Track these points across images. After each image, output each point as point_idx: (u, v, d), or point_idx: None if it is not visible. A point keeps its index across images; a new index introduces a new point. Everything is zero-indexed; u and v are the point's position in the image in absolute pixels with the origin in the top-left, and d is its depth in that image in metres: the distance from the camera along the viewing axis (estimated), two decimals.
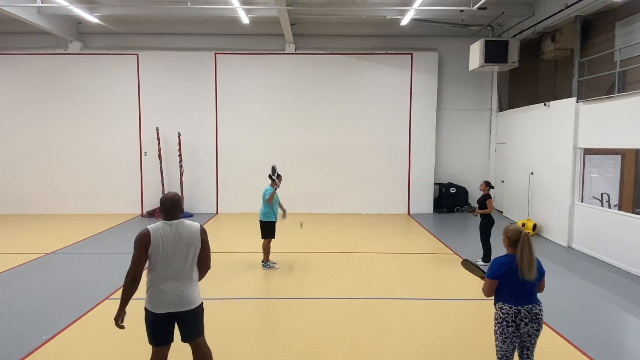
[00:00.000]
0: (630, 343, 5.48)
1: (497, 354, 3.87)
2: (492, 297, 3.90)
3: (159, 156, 13.85)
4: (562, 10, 10.52)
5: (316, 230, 11.82)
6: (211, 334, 5.51)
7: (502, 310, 3.76)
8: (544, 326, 5.74)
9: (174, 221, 3.77)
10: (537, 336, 3.79)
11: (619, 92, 8.91)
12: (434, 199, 14.63)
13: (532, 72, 14.19)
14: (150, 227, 3.72)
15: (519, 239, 3.78)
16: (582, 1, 9.86)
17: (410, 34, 14.17)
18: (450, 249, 9.72)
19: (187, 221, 3.83)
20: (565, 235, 10.08)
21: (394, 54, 14.25)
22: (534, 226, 11.19)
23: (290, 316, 6.16)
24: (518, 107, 13.33)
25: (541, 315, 3.76)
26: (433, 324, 5.90)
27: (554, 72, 13.41)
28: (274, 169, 8.24)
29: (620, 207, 11.42)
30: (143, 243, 3.66)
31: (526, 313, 3.70)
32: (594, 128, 9.34)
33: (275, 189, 8.02)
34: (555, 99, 11.59)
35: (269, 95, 14.28)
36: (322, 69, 14.22)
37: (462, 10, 11.19)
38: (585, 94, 10.37)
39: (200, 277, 3.90)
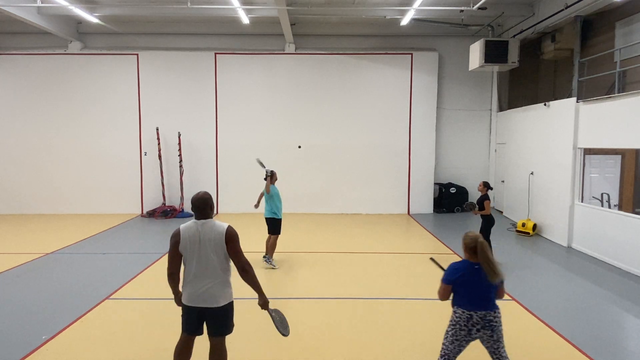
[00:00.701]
0: (630, 343, 5.48)
1: (440, 352, 3.88)
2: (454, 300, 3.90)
3: (159, 156, 13.85)
4: (562, 10, 10.52)
5: (316, 230, 11.82)
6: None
7: (456, 314, 3.78)
8: (544, 326, 5.77)
9: (202, 220, 3.85)
10: (497, 341, 3.76)
11: (619, 92, 8.91)
12: (434, 199, 14.63)
13: (532, 72, 14.18)
14: (182, 225, 3.88)
15: (475, 246, 3.83)
16: (582, 1, 9.86)
17: (410, 34, 14.17)
18: (450, 249, 9.72)
19: (215, 222, 3.88)
20: (565, 235, 10.08)
21: (394, 54, 14.25)
22: (534, 226, 11.19)
23: (290, 316, 6.15)
24: (518, 107, 13.33)
25: (495, 322, 3.73)
26: (433, 324, 5.89)
27: (554, 72, 13.40)
28: (260, 163, 8.61)
29: (620, 207, 11.42)
30: (174, 242, 3.84)
31: (479, 319, 3.70)
32: (594, 128, 9.34)
33: (266, 178, 8.25)
34: (555, 99, 11.59)
35: (269, 95, 14.28)
36: (322, 69, 14.22)
37: (462, 10, 11.19)
38: (585, 94, 10.37)
39: (243, 277, 3.91)
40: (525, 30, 12.32)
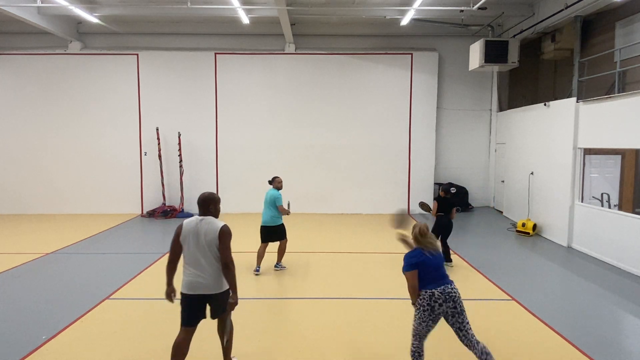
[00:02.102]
0: (630, 343, 5.48)
1: (412, 333, 4.23)
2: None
3: (159, 156, 13.86)
4: (562, 10, 10.52)
5: (316, 230, 11.82)
6: (211, 334, 5.51)
7: (420, 297, 4.13)
8: (544, 326, 5.77)
9: (202, 217, 4.27)
10: (460, 315, 4.06)
11: (619, 92, 8.91)
12: (434, 199, 14.59)
13: (532, 72, 14.19)
14: (185, 220, 4.31)
15: (419, 232, 4.31)
16: (582, 1, 9.86)
17: (410, 34, 14.17)
18: (450, 249, 9.71)
19: (212, 219, 4.26)
20: (565, 235, 10.08)
21: (394, 54, 14.25)
22: (534, 226, 11.19)
23: (290, 316, 6.17)
24: (518, 107, 13.33)
25: (454, 293, 4.08)
26: None
27: (554, 72, 13.41)
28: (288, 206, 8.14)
29: (620, 207, 11.42)
30: (176, 234, 4.26)
31: (439, 294, 4.04)
32: (594, 128, 9.34)
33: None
34: (555, 99, 11.59)
35: (269, 95, 14.28)
36: (322, 69, 14.22)
37: (462, 10, 11.19)
38: (585, 94, 10.37)
39: (224, 272, 4.17)
40: (525, 30, 12.32)
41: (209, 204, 4.31)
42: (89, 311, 6.21)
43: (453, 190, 8.78)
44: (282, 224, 7.97)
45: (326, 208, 14.40)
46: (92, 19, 12.45)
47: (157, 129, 13.88)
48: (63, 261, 8.83)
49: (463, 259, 9.03)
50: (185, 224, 4.24)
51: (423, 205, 8.69)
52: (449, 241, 8.60)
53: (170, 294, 4.33)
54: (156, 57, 14.14)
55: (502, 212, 13.94)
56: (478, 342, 4.11)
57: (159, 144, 13.87)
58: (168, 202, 14.17)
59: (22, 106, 14.11)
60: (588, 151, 10.18)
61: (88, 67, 14.10)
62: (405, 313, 6.24)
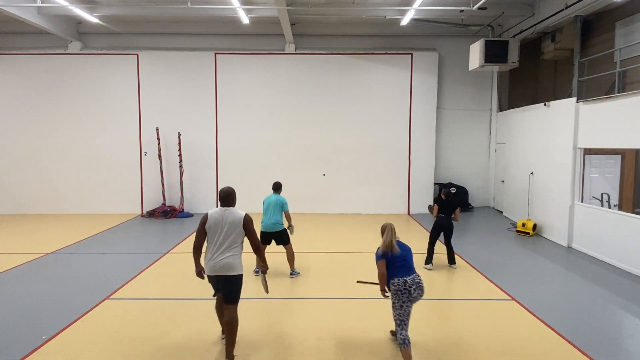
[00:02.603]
0: (630, 343, 5.48)
1: (396, 322, 4.72)
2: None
3: (159, 156, 13.86)
4: (562, 10, 10.52)
5: (316, 231, 11.82)
6: (211, 334, 5.52)
7: (394, 285, 4.67)
8: (544, 326, 5.78)
9: (225, 208, 4.89)
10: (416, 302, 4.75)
11: (619, 92, 8.91)
12: (434, 199, 14.61)
13: (532, 72, 14.19)
14: (210, 211, 4.91)
15: (384, 230, 4.96)
16: (582, 1, 9.86)
17: (410, 34, 14.17)
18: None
19: (234, 210, 4.90)
20: (565, 235, 10.08)
21: (394, 54, 14.25)
22: (534, 226, 11.19)
23: (290, 316, 6.17)
24: (518, 107, 13.33)
25: (422, 283, 4.75)
26: (433, 323, 5.90)
27: (554, 72, 13.41)
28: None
29: (620, 207, 11.42)
30: (202, 222, 4.85)
31: (412, 281, 4.67)
32: (594, 128, 9.34)
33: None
34: (555, 99, 11.59)
35: (269, 95, 14.28)
36: (322, 69, 14.22)
37: (462, 10, 11.19)
38: (585, 94, 10.37)
39: (255, 253, 5.02)
40: (525, 30, 12.32)
41: (232, 198, 4.97)
42: (89, 311, 6.21)
43: (453, 190, 8.78)
44: (285, 229, 7.78)
45: (326, 208, 14.40)
46: (92, 19, 12.45)
47: (157, 129, 13.88)
48: (63, 261, 8.83)
49: (463, 259, 9.03)
50: (211, 214, 4.84)
51: (431, 208, 8.75)
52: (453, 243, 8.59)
53: (200, 272, 4.92)
54: (156, 57, 14.14)
55: (502, 212, 13.94)
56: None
57: (159, 144, 13.87)
58: (168, 202, 14.17)
59: (22, 106, 14.11)
60: (588, 151, 10.19)
61: (88, 67, 14.10)
62: None
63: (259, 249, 5.00)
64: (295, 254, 8.07)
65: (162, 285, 7.41)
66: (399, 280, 4.66)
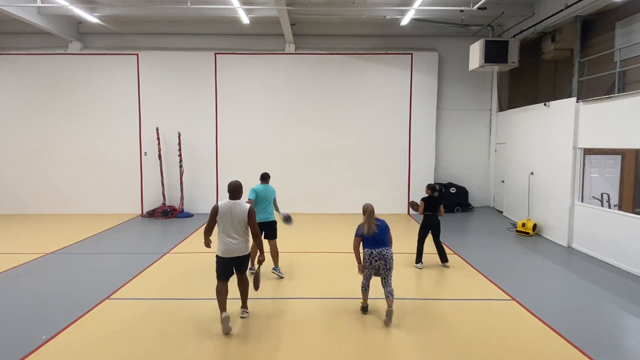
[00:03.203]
0: (630, 343, 5.48)
1: (362, 279, 6.15)
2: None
3: (159, 156, 13.86)
4: (562, 10, 10.52)
5: (316, 231, 11.82)
6: (211, 334, 5.52)
7: (364, 253, 5.97)
8: (544, 326, 5.78)
9: (233, 201, 5.72)
10: (387, 269, 5.90)
11: (619, 92, 8.91)
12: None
13: (532, 72, 14.19)
14: (220, 202, 5.72)
15: (365, 212, 6.07)
16: (582, 1, 9.87)
17: (410, 34, 14.17)
18: (450, 249, 9.72)
19: (241, 202, 5.74)
20: (565, 235, 10.08)
21: (394, 54, 14.25)
22: (534, 226, 11.19)
23: (290, 316, 6.16)
24: (518, 107, 13.33)
25: (386, 254, 5.88)
26: (433, 323, 5.90)
27: (554, 72, 13.41)
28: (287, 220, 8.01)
29: (620, 207, 11.42)
30: (213, 213, 5.70)
31: (377, 254, 5.88)
32: (594, 128, 9.34)
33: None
34: (555, 99, 11.59)
35: (269, 95, 14.28)
36: (322, 69, 14.23)
37: (462, 10, 11.20)
38: (585, 94, 10.37)
39: (255, 240, 5.82)
40: (525, 30, 12.32)
41: (240, 191, 5.82)
42: (89, 311, 6.21)
43: (437, 188, 8.75)
44: (275, 221, 7.77)
45: (326, 208, 14.41)
46: (92, 19, 12.45)
47: (157, 129, 13.88)
48: (63, 261, 8.83)
49: (463, 259, 9.03)
50: (221, 206, 5.67)
51: (413, 204, 8.70)
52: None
53: (209, 243, 5.81)
54: (156, 57, 14.14)
55: (502, 212, 13.94)
56: (388, 286, 5.93)
57: (159, 144, 13.88)
58: (168, 202, 14.17)
59: (22, 106, 14.12)
60: (588, 151, 10.19)
61: (88, 67, 14.10)
62: (405, 313, 6.24)
63: (258, 236, 5.78)
64: (294, 253, 8.07)
65: (162, 285, 7.41)
66: (367, 250, 5.96)
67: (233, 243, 5.63)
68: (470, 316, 6.13)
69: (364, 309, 6.20)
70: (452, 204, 14.36)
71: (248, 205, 5.72)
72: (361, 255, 6.05)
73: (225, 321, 5.48)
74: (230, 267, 5.72)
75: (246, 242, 5.77)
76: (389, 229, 6.09)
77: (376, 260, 5.87)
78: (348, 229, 12.07)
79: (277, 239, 7.85)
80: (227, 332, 5.48)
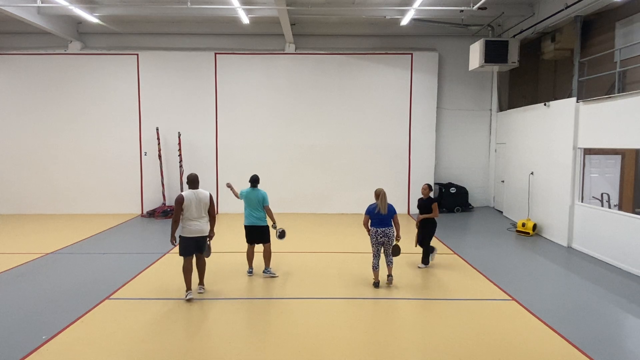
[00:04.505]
0: (630, 343, 5.48)
1: (372, 260, 7.28)
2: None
3: (159, 156, 13.86)
4: (562, 10, 10.52)
5: (316, 231, 11.82)
6: (211, 334, 5.53)
7: (372, 231, 7.18)
8: (544, 326, 5.78)
9: (195, 190, 6.71)
10: (389, 245, 7.20)
11: (619, 92, 8.91)
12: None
13: (532, 72, 14.18)
14: (184, 192, 6.65)
15: (378, 194, 7.10)
16: (582, 1, 9.86)
17: (410, 34, 14.17)
18: (450, 249, 9.72)
19: (202, 190, 6.77)
20: (565, 235, 10.08)
21: (394, 54, 14.25)
22: (534, 226, 11.19)
23: (290, 316, 6.16)
24: (518, 107, 13.33)
25: (388, 232, 7.13)
26: (433, 323, 5.90)
27: (554, 72, 13.40)
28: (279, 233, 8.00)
29: (620, 207, 11.42)
30: (179, 201, 6.57)
31: (381, 232, 7.12)
32: (594, 128, 9.34)
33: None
34: (555, 99, 11.58)
35: (269, 95, 14.28)
36: (322, 69, 14.22)
37: (462, 10, 11.19)
38: (585, 94, 10.36)
39: (211, 223, 6.85)
40: (525, 30, 12.32)
41: (197, 182, 6.79)
42: (89, 311, 6.21)
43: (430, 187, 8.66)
44: (267, 226, 7.73)
45: (326, 208, 14.41)
46: (92, 19, 12.45)
47: (157, 129, 13.88)
48: (63, 261, 8.83)
49: (463, 259, 9.03)
50: (186, 195, 6.60)
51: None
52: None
53: (173, 241, 6.67)
54: (156, 57, 14.14)
55: (502, 212, 13.94)
56: (389, 256, 7.30)
57: (159, 144, 13.88)
58: (168, 202, 14.17)
59: (22, 106, 14.12)
60: (588, 151, 10.18)
61: (88, 67, 14.10)
62: (405, 313, 6.25)
63: (214, 218, 6.88)
64: (294, 253, 8.06)
65: (162, 285, 7.41)
66: (373, 228, 7.16)
67: (197, 225, 6.61)
68: (470, 316, 6.13)
69: (376, 284, 7.24)
70: (452, 204, 14.37)
71: (208, 192, 6.82)
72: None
73: (189, 300, 6.59)
74: (192, 245, 6.68)
75: (207, 224, 6.77)
76: (395, 213, 7.22)
77: (381, 237, 7.12)
78: (348, 229, 12.07)
79: (270, 243, 7.80)
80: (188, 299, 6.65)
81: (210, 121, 14.30)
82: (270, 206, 7.72)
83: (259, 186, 7.82)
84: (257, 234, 7.72)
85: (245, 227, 7.77)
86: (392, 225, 7.14)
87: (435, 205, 8.16)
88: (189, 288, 6.60)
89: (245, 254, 7.98)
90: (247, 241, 7.86)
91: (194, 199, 6.58)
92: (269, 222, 7.74)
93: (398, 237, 7.29)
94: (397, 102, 14.33)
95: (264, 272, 7.82)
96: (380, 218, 7.07)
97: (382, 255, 7.32)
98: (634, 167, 11.38)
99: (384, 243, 7.13)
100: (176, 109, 14.22)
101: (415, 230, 8.47)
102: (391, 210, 7.14)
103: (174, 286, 7.31)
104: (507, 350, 5.15)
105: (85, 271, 8.18)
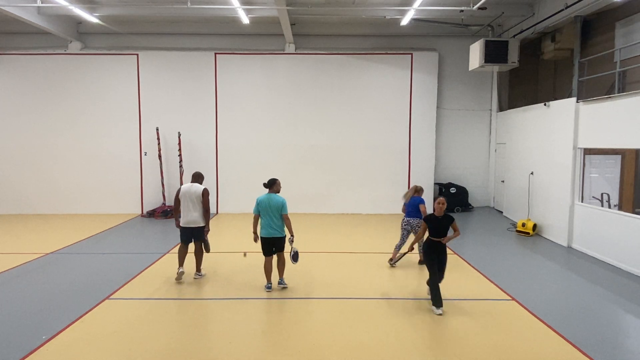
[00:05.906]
0: (630, 343, 5.48)
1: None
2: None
3: (159, 156, 13.86)
4: (562, 10, 10.52)
5: (316, 231, 11.82)
6: (211, 334, 5.53)
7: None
8: (544, 326, 5.79)
9: (192, 184, 7.47)
10: (407, 232, 8.42)
11: (619, 92, 8.91)
12: (434, 199, 14.60)
13: (532, 72, 14.19)
14: (182, 186, 7.49)
15: (415, 190, 8.50)
16: (582, 1, 9.86)
17: (410, 34, 14.17)
18: (450, 249, 9.72)
19: (198, 184, 7.47)
20: (565, 235, 10.08)
21: (394, 54, 14.25)
22: (534, 226, 11.19)
23: (290, 316, 6.17)
24: (518, 107, 13.33)
25: (411, 221, 8.32)
26: (433, 323, 5.90)
27: (554, 72, 13.40)
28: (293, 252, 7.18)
29: (620, 207, 11.42)
30: (178, 194, 7.43)
31: (405, 221, 8.42)
32: (594, 128, 9.34)
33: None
34: (555, 99, 11.59)
35: (269, 95, 14.28)
36: (322, 69, 14.22)
37: (462, 10, 11.19)
38: (585, 94, 10.37)
39: (205, 216, 7.47)
40: (525, 30, 12.32)
41: (198, 178, 7.58)
42: (89, 311, 6.21)
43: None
44: (284, 236, 7.06)
45: (326, 208, 14.40)
46: (92, 19, 12.45)
47: (157, 129, 13.88)
48: (63, 261, 8.83)
49: (463, 259, 9.03)
50: (182, 188, 7.44)
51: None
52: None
53: (178, 225, 7.46)
54: (156, 57, 14.14)
55: (502, 212, 13.94)
56: (401, 239, 8.51)
57: (159, 144, 13.87)
58: (168, 202, 14.17)
59: (22, 106, 14.11)
60: (588, 151, 10.19)
61: (88, 67, 14.10)
62: (405, 313, 6.24)
63: (208, 211, 7.46)
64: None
65: (162, 285, 7.40)
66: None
67: (189, 216, 7.32)
68: (470, 316, 6.13)
69: (391, 260, 8.42)
70: (452, 204, 14.35)
71: (203, 187, 7.41)
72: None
73: (180, 275, 7.32)
74: (187, 233, 7.39)
75: (201, 216, 7.37)
76: (418, 204, 8.21)
77: (405, 225, 8.36)
78: (348, 229, 12.08)
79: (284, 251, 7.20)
80: (178, 280, 7.35)
81: (210, 121, 14.30)
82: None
83: (281, 193, 7.13)
84: (275, 245, 7.02)
85: (261, 238, 6.99)
86: (415, 216, 8.25)
87: (455, 224, 6.59)
88: (181, 265, 7.37)
89: (263, 267, 7.17)
90: (264, 254, 7.07)
91: (187, 191, 7.34)
92: (287, 234, 7.02)
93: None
94: (397, 102, 14.33)
95: (279, 283, 7.20)
96: (407, 209, 8.39)
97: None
98: (633, 167, 11.38)
99: (407, 230, 8.43)
100: (176, 109, 14.22)
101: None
102: (414, 203, 8.31)
103: (173, 286, 7.31)
104: (507, 350, 5.15)
105: (85, 271, 8.18)
